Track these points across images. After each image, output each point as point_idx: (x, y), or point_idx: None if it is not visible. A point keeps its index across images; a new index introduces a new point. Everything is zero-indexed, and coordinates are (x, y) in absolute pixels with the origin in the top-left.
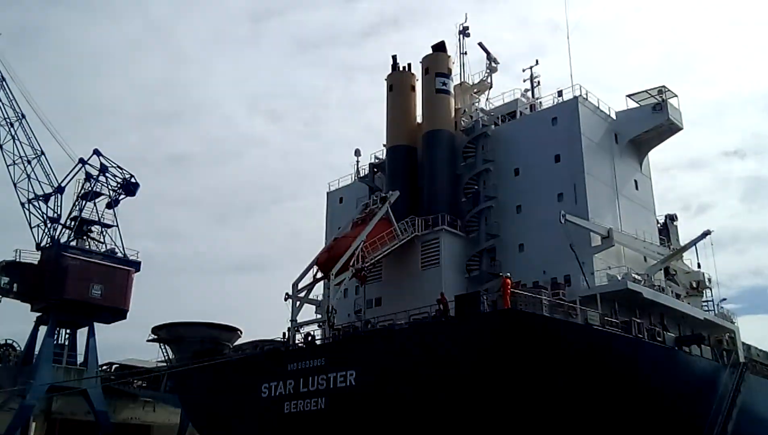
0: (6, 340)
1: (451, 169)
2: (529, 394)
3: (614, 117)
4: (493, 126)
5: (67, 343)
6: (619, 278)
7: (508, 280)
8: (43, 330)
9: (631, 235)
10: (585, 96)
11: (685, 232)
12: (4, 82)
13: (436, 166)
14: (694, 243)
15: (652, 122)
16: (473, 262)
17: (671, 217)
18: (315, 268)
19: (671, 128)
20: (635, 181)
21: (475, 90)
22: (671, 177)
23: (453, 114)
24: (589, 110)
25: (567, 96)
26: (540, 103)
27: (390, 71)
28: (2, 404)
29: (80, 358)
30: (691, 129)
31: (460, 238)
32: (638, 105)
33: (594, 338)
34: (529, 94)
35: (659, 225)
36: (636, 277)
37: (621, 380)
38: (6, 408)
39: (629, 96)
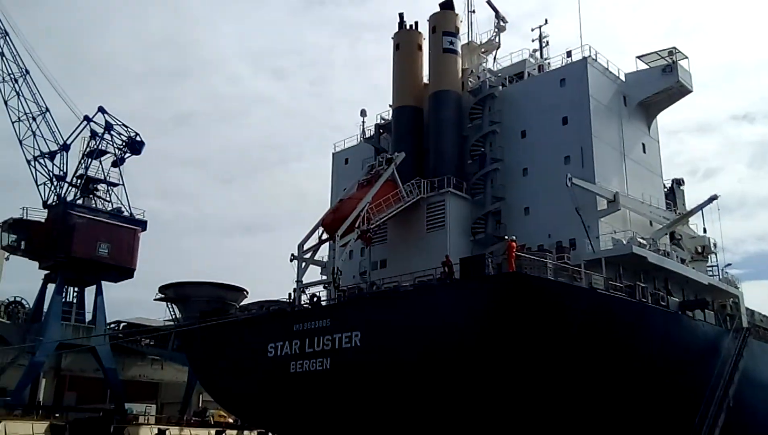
0: (15, 297)
1: (458, 130)
2: (533, 357)
3: (623, 79)
4: (500, 87)
5: (75, 301)
6: (625, 242)
7: (513, 244)
8: (51, 288)
9: (637, 199)
10: (594, 57)
11: (691, 197)
12: (7, 37)
13: (442, 127)
14: (700, 208)
15: (661, 84)
16: (478, 225)
17: (678, 182)
18: (320, 229)
19: (681, 91)
20: (643, 145)
21: (483, 50)
22: (679, 141)
23: (460, 74)
24: (598, 72)
25: (576, 57)
26: (548, 64)
27: (396, 30)
28: (12, 360)
29: (88, 316)
30: (701, 92)
31: (465, 200)
32: (648, 67)
33: (598, 302)
34: (538, 54)
35: (666, 189)
36: (641, 241)
37: (624, 344)
38: (16, 364)
39: (639, 57)
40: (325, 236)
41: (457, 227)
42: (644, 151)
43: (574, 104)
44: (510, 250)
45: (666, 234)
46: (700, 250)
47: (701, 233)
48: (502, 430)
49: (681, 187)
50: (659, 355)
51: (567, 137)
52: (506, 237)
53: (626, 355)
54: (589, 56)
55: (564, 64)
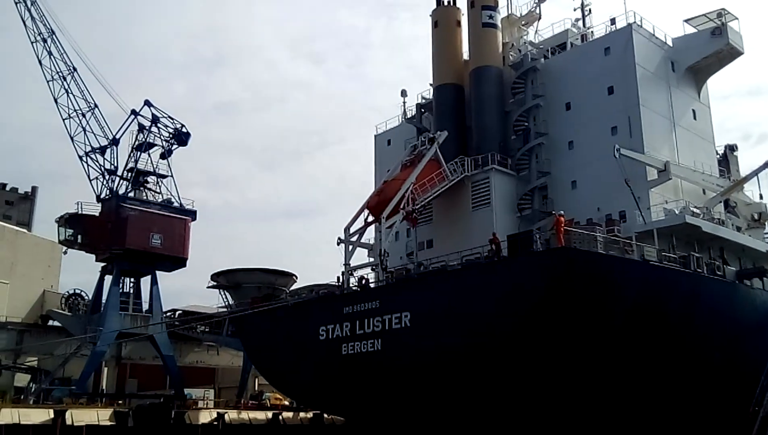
0: (74, 289)
1: (500, 106)
2: (586, 334)
3: (671, 44)
4: (542, 59)
5: (132, 291)
6: (677, 212)
7: (562, 218)
8: (108, 279)
9: (689, 168)
10: (639, 23)
11: (745, 163)
12: (54, 36)
13: (484, 103)
14: (755, 173)
15: (710, 48)
16: (524, 201)
17: (731, 148)
18: (366, 211)
19: (731, 53)
20: (693, 111)
21: (523, 22)
22: (731, 105)
23: (501, 48)
24: (643, 38)
25: (620, 24)
26: (591, 33)
27: (434, 7)
28: (75, 351)
29: (145, 306)
30: (753, 54)
31: (510, 176)
32: (696, 30)
33: (652, 274)
34: (580, 23)
35: (718, 156)
36: (694, 210)
37: (680, 317)
38: (78, 354)
39: (686, 21)
40: (370, 219)
41: (502, 204)
42: (695, 118)
43: (620, 73)
44: (558, 224)
45: (720, 202)
46: (756, 217)
47: (757, 200)
48: (557, 409)
49: (734, 153)
50: (717, 326)
51: (613, 107)
52: (553, 212)
53: (682, 328)
54: (634, 23)
55: (608, 32)
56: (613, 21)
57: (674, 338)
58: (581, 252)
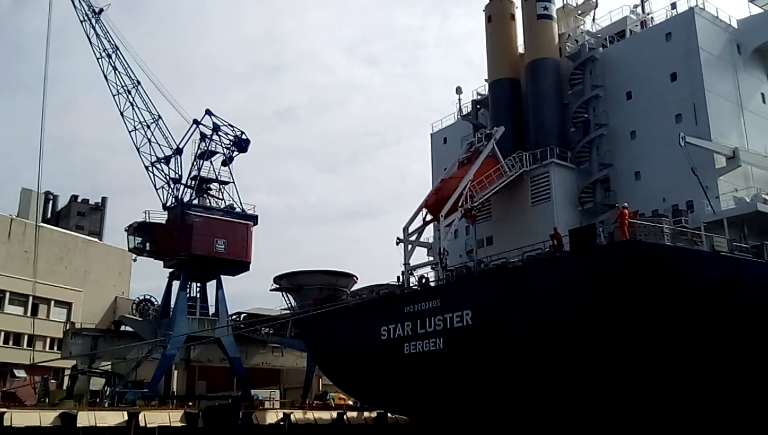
0: (144, 295)
1: (558, 98)
2: (655, 331)
3: (735, 26)
4: (600, 48)
5: (198, 295)
6: (748, 200)
7: (626, 210)
8: (176, 285)
9: (759, 153)
10: (702, 6)
11: None
12: (118, 51)
13: (541, 96)
14: None
15: None
16: (586, 195)
17: None
18: (424, 210)
19: None
20: (762, 95)
21: (579, 11)
22: None
23: (557, 40)
24: (706, 21)
25: (681, 8)
26: (651, 18)
27: (487, 1)
28: (147, 354)
29: (211, 310)
30: None
31: (570, 170)
32: (762, 10)
33: (723, 266)
34: (639, 9)
35: None
36: (766, 197)
37: (754, 309)
38: (150, 358)
39: (752, 1)
40: (428, 217)
41: (563, 198)
42: (764, 101)
43: (683, 58)
44: (622, 217)
45: None
46: None
47: None
48: (624, 405)
49: None
50: None
51: (677, 94)
52: (617, 204)
53: (756, 321)
54: (696, 6)
55: (668, 17)
56: (673, 5)
57: (746, 331)
58: (647, 245)
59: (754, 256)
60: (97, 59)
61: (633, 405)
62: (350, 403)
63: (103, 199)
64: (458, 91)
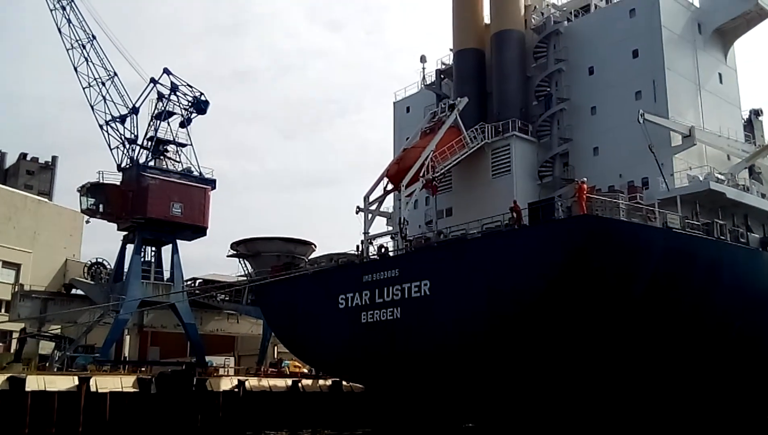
0: (96, 258)
1: (522, 71)
2: (609, 302)
3: (697, 5)
4: (565, 22)
5: (153, 260)
6: (701, 179)
7: (584, 185)
8: (130, 248)
9: (714, 133)
10: None
11: None
12: (73, 3)
13: (505, 69)
14: None
15: (739, 9)
16: (545, 168)
17: (756, 112)
18: (385, 180)
19: (760, 15)
20: (719, 75)
21: None
22: (757, 68)
23: (522, 12)
24: None
25: None
26: None
27: None
28: (98, 318)
29: (166, 274)
30: None
31: (531, 143)
32: None
33: (675, 242)
34: None
35: (744, 121)
36: (719, 176)
37: (704, 284)
38: (102, 322)
39: None
40: (390, 187)
41: (523, 172)
42: (721, 82)
43: (645, 35)
44: (580, 192)
45: (745, 168)
46: None
47: None
48: (579, 377)
49: (759, 118)
50: (740, 293)
51: (638, 71)
52: (575, 179)
53: (706, 295)
54: None
55: None
56: None
57: (696, 306)
58: (603, 219)
59: (704, 233)
60: (51, 10)
61: (588, 372)
62: (305, 371)
63: (54, 158)
64: (422, 59)
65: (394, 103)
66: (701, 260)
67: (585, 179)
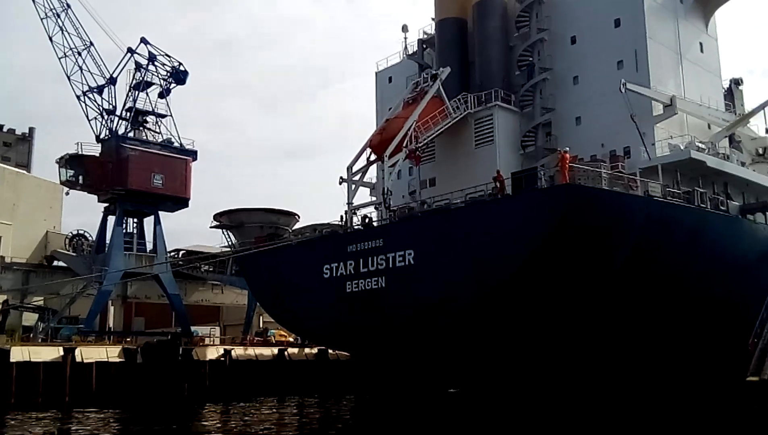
0: (78, 230)
1: (504, 40)
2: (593, 269)
3: None
4: None
5: (135, 231)
6: (682, 148)
7: (567, 155)
8: (111, 220)
9: (695, 102)
10: None
11: (750, 97)
12: None
13: (487, 38)
14: (761, 108)
15: None
16: (528, 138)
17: (736, 82)
18: (368, 150)
19: None
20: (700, 44)
21: None
22: (736, 38)
23: None
24: None
25: None
26: None
27: None
28: (82, 290)
29: (149, 246)
30: None
31: (514, 113)
32: None
33: (656, 210)
34: None
35: (724, 90)
36: (699, 145)
37: (684, 251)
38: (85, 294)
39: None
40: (373, 157)
41: (506, 141)
42: (702, 51)
43: (627, 5)
44: (563, 161)
45: (725, 137)
46: (761, 151)
47: (762, 134)
48: (562, 344)
49: (740, 87)
50: (720, 260)
51: (620, 40)
52: (558, 149)
53: (686, 262)
54: None
55: None
56: None
57: (677, 273)
58: (585, 188)
59: (685, 201)
60: None
61: (572, 342)
62: (291, 339)
63: (31, 129)
64: (404, 29)
65: (376, 73)
66: (682, 228)
67: (567, 149)
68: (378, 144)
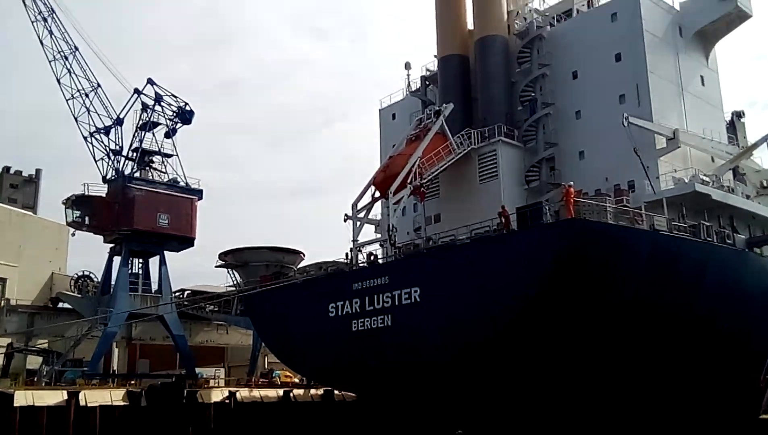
0: (83, 271)
1: (506, 76)
2: (600, 304)
3: (678, 8)
4: (548, 27)
5: (141, 271)
6: (686, 181)
7: (571, 189)
8: (117, 261)
9: (698, 135)
10: None
11: (752, 129)
12: (54, 15)
13: (489, 74)
14: (764, 140)
15: (719, 11)
16: (532, 173)
17: (738, 114)
18: (372, 188)
19: (740, 17)
20: (701, 77)
21: None
22: (737, 71)
23: (506, 17)
24: (651, 2)
25: None
26: None
27: None
28: (86, 332)
29: (154, 286)
30: (760, 17)
31: (517, 148)
32: None
33: (662, 244)
34: None
35: (726, 123)
36: (704, 178)
37: (691, 285)
38: (89, 336)
39: None
40: (377, 194)
41: (510, 177)
42: (703, 84)
43: (627, 39)
44: (568, 195)
45: (729, 169)
46: (765, 184)
47: (766, 166)
48: (572, 381)
49: (742, 120)
50: (728, 294)
51: (621, 75)
52: (562, 183)
53: (693, 296)
54: None
55: None
56: None
57: (684, 307)
58: (591, 223)
59: (691, 235)
60: (32, 22)
61: (579, 377)
62: (296, 380)
63: (38, 171)
64: (407, 66)
65: (379, 110)
66: (689, 262)
67: (572, 183)
68: (382, 181)
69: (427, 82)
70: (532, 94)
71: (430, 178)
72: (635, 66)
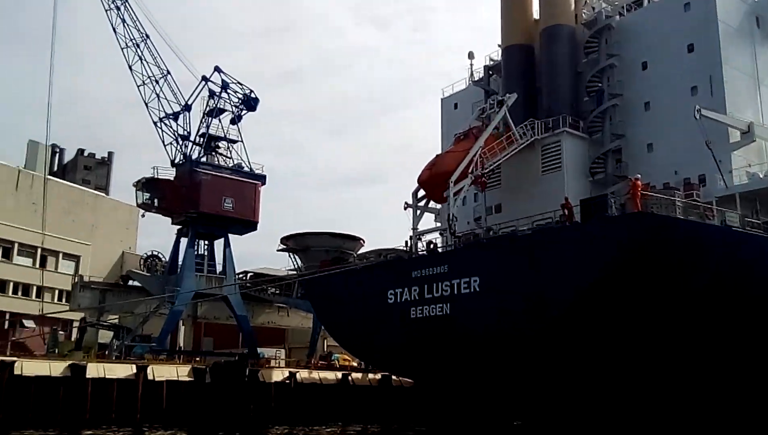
0: (152, 251)
1: (572, 66)
2: (665, 302)
3: None
4: (617, 17)
5: (206, 253)
6: (761, 176)
7: (638, 182)
8: (183, 242)
9: None
10: None
11: None
12: (127, 3)
13: (555, 64)
14: None
15: None
16: (597, 165)
17: None
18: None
19: None
20: None
21: None
22: None
23: (573, 6)
24: None
25: None
26: None
27: None
28: (155, 309)
29: (218, 268)
30: None
31: (582, 139)
32: None
33: (734, 241)
34: None
35: None
36: None
37: (764, 284)
38: (158, 313)
39: None
40: (421, 193)
41: (574, 168)
42: None
43: (701, 29)
44: (635, 188)
45: None
46: None
47: None
48: (629, 376)
49: None
50: None
51: (693, 66)
52: (629, 176)
53: (765, 296)
54: None
55: None
56: None
57: (756, 307)
58: (659, 217)
59: (765, 232)
60: (106, 11)
61: (638, 371)
62: (355, 364)
63: (110, 153)
64: (470, 56)
65: (441, 99)
66: (763, 260)
67: (639, 176)
68: (427, 179)
69: (491, 72)
70: (599, 85)
71: (491, 168)
72: (709, 57)
